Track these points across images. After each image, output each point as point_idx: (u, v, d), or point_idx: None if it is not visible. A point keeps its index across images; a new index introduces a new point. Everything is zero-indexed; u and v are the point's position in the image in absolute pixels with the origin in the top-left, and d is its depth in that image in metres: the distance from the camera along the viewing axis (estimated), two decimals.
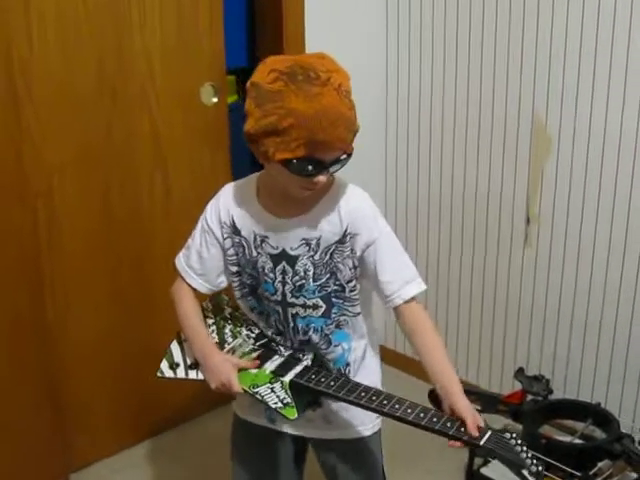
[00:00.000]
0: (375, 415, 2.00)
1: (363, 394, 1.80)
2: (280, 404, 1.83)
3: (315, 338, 1.94)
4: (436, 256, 3.54)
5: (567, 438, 2.89)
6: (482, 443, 1.66)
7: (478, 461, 2.86)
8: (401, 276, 1.88)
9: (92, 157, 2.81)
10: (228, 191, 1.98)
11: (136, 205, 2.98)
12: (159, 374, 2.06)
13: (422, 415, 1.72)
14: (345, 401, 1.83)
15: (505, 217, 3.24)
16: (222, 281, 2.02)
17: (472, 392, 3.26)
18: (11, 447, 2.79)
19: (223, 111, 3.11)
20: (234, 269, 1.98)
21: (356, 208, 1.87)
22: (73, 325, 2.91)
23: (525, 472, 1.65)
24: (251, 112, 1.72)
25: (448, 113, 3.34)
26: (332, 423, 2.02)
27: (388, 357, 3.69)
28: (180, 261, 2.03)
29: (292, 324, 1.94)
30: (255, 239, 1.90)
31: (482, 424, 1.72)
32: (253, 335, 2.03)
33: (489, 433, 1.68)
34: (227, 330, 2.07)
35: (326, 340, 1.94)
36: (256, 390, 1.87)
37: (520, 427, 2.92)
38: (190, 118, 3.03)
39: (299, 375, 1.89)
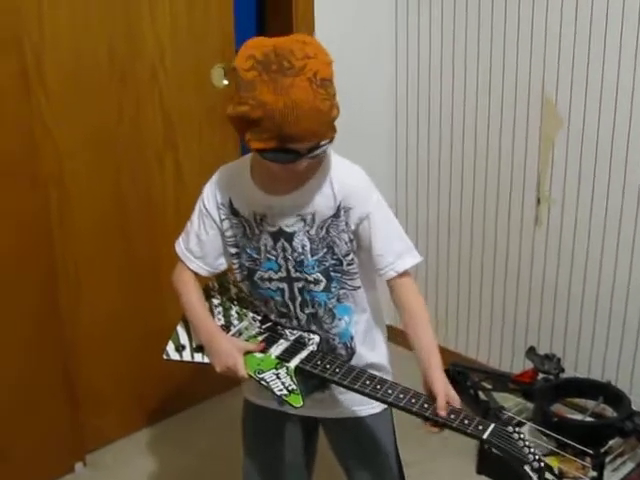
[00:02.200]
0: None
1: (368, 382, 1.81)
2: (285, 391, 1.84)
3: (320, 312, 1.95)
4: (446, 236, 3.54)
5: (578, 416, 2.91)
6: (485, 436, 1.67)
7: None
8: (394, 249, 1.90)
9: (103, 140, 2.83)
10: (223, 173, 1.99)
11: (147, 187, 2.99)
12: (165, 356, 2.07)
13: (426, 406, 1.74)
14: (349, 389, 1.84)
15: (516, 197, 3.24)
16: (221, 263, 2.03)
17: (483, 371, 3.29)
18: (29, 430, 2.82)
19: None
20: (233, 250, 1.98)
21: (349, 182, 1.88)
22: (85, 308, 2.93)
23: (527, 468, 1.65)
24: (232, 95, 1.73)
25: (458, 93, 3.33)
26: (341, 402, 2.03)
27: (398, 337, 3.71)
28: (180, 245, 2.05)
29: (300, 298, 1.95)
30: (255, 218, 1.91)
31: (457, 403, 1.74)
32: (259, 318, 2.04)
33: (492, 426, 1.68)
34: (233, 312, 2.08)
35: (330, 314, 1.95)
36: (261, 376, 1.88)
37: (531, 406, 2.94)
38: (201, 100, 3.03)
39: (305, 361, 1.90)
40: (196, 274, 2.03)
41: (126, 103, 2.84)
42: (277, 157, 1.73)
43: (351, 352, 2.00)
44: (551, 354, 3.04)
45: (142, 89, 2.87)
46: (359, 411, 2.05)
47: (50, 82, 2.65)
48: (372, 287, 2.02)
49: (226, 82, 3.05)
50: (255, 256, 1.94)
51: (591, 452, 2.64)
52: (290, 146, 1.70)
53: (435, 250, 3.59)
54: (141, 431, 3.22)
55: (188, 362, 2.05)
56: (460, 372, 3.22)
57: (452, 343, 3.64)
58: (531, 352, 3.08)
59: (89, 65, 2.73)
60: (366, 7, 3.41)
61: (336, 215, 1.87)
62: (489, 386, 3.20)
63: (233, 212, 1.94)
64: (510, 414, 2.90)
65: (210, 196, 1.97)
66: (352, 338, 1.99)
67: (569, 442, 2.67)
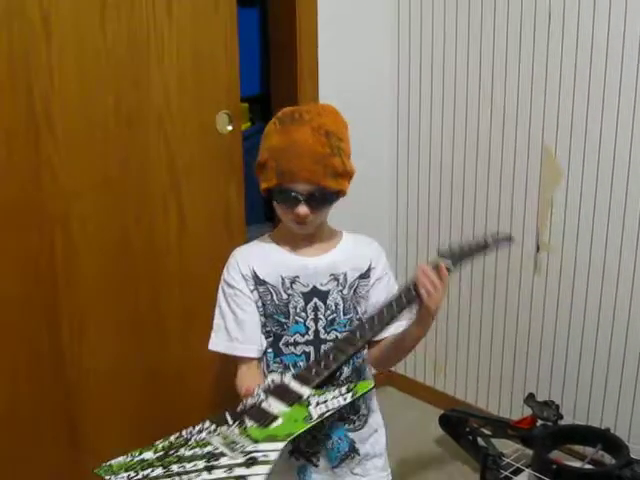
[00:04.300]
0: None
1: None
2: (348, 393, 1.73)
3: (347, 372, 1.97)
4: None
5: (577, 463, 2.90)
6: None
7: None
8: None
9: (109, 185, 2.84)
10: (240, 250, 2.06)
11: (151, 232, 3.00)
12: None
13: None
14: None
15: (515, 244, 3.26)
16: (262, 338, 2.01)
17: (482, 417, 3.29)
18: (29, 475, 2.81)
19: (238, 139, 3.15)
20: (262, 319, 1.99)
21: (376, 245, 2.07)
22: (88, 351, 2.91)
23: None
24: None
25: (458, 144, 3.38)
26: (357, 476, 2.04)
27: (399, 383, 3.73)
28: (218, 344, 1.99)
29: None
30: (284, 282, 1.95)
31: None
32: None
33: None
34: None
35: (357, 374, 1.99)
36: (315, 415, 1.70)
37: (530, 452, 2.94)
38: (206, 146, 3.06)
39: (305, 372, 1.82)
40: (251, 360, 1.97)
41: (132, 148, 2.87)
42: (279, 197, 1.89)
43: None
44: (550, 401, 3.04)
45: (148, 134, 2.90)
46: None
47: (58, 128, 2.67)
48: None
49: (230, 128, 3.08)
50: (283, 320, 1.96)
51: None
52: (288, 185, 1.85)
53: None
54: None
55: None
56: (459, 418, 3.23)
57: (451, 389, 3.65)
58: (530, 399, 3.09)
59: (96, 112, 2.76)
60: (369, 55, 3.48)
61: (363, 275, 1.98)
62: (488, 432, 3.20)
63: (258, 282, 1.97)
64: (509, 460, 2.91)
65: (233, 272, 1.99)
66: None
67: None
